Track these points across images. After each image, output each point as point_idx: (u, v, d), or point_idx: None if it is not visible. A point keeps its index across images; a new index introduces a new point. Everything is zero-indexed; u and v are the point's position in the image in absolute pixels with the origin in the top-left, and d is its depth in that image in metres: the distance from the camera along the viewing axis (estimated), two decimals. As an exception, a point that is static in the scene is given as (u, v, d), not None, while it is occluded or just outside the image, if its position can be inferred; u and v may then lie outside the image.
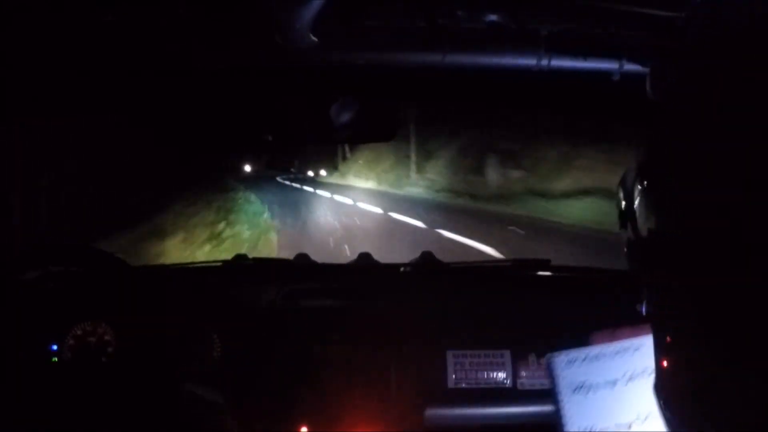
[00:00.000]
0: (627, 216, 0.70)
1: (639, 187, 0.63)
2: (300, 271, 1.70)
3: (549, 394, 1.33)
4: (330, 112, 1.20)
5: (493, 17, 0.90)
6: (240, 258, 1.77)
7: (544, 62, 0.93)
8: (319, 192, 25.88)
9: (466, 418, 1.35)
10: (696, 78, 0.52)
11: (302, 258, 1.77)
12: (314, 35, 0.89)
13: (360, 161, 31.78)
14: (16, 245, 1.38)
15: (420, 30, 0.93)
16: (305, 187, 29.76)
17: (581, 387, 0.93)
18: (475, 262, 1.75)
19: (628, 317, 1.41)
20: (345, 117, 1.24)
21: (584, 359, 0.95)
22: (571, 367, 0.94)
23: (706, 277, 0.51)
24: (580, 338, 1.39)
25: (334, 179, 35.72)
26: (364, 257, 1.76)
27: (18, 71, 0.89)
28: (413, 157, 22.81)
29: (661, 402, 0.64)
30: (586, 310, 1.46)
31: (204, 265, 1.79)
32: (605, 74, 0.94)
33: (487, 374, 1.35)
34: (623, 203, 0.72)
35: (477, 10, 0.90)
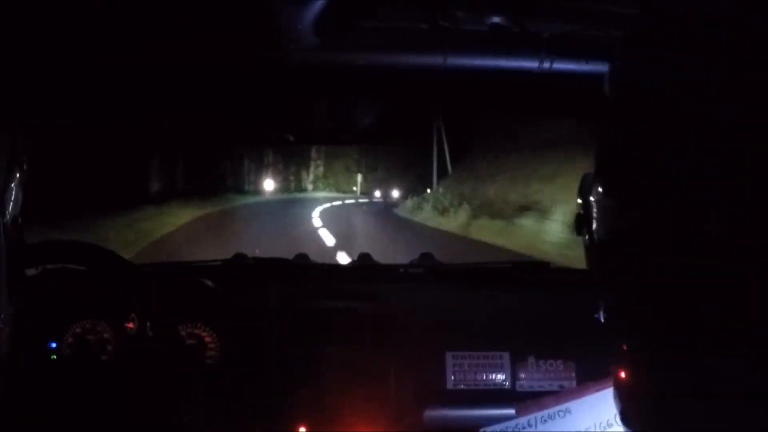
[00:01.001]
0: (585, 219, 0.70)
1: (597, 188, 0.62)
2: (299, 270, 1.70)
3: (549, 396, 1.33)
4: (330, 113, 1.20)
5: (495, 19, 0.90)
6: (239, 257, 1.77)
7: (546, 65, 0.93)
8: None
9: (464, 419, 1.35)
10: (652, 73, 0.52)
11: (302, 258, 1.77)
12: (316, 35, 0.89)
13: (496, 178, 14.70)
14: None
15: (421, 31, 0.93)
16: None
17: None
18: (474, 263, 1.76)
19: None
20: (345, 118, 1.24)
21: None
22: None
23: (665, 277, 0.51)
24: (578, 340, 1.39)
25: (448, 222, 14.82)
26: (364, 258, 1.76)
27: (18, 71, 0.89)
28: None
29: (620, 414, 0.63)
30: (585, 312, 1.46)
31: (204, 263, 1.79)
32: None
33: (486, 375, 1.35)
34: (582, 206, 0.72)
35: (479, 12, 0.90)
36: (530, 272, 1.67)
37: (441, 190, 19.23)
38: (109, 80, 0.96)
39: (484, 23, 0.91)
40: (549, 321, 1.43)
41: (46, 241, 1.38)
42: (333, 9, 0.83)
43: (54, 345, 1.33)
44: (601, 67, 0.93)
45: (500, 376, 1.35)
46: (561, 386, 1.35)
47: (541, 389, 1.34)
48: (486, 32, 0.91)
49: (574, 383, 1.35)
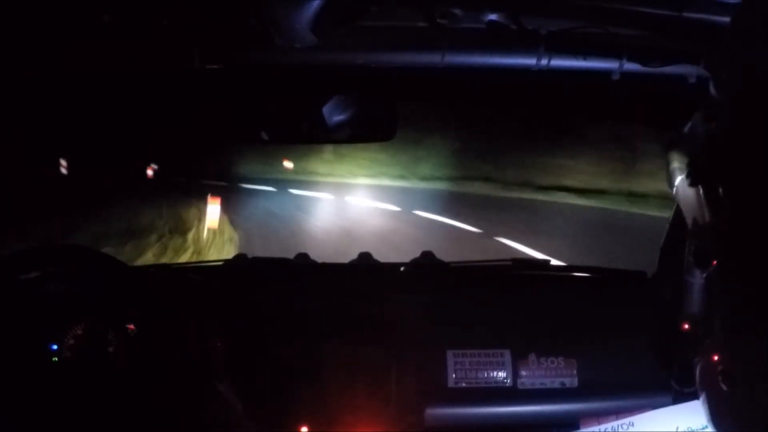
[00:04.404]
0: (684, 209, 0.70)
1: (697, 179, 0.62)
2: (300, 270, 1.70)
3: (548, 394, 1.33)
4: (329, 110, 1.19)
5: (492, 17, 0.90)
6: (240, 257, 1.77)
7: (544, 62, 0.93)
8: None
9: (466, 418, 1.35)
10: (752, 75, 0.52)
11: (302, 257, 1.76)
12: (314, 35, 0.88)
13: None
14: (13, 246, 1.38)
15: (419, 29, 0.93)
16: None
17: None
18: (475, 261, 1.75)
19: (626, 316, 1.41)
20: (343, 116, 1.23)
21: None
22: None
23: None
24: (578, 338, 1.39)
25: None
26: (364, 257, 1.76)
27: (16, 71, 0.88)
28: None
29: (705, 395, 0.64)
30: (585, 309, 1.47)
31: (204, 264, 1.79)
32: (605, 74, 0.94)
33: (487, 374, 1.35)
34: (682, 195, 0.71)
35: (477, 10, 0.90)
36: (530, 270, 1.67)
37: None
38: (105, 80, 0.96)
39: (481, 21, 0.91)
40: (549, 318, 1.43)
41: (46, 245, 1.38)
42: (330, 8, 0.83)
43: (55, 347, 1.33)
44: (598, 64, 0.93)
45: (501, 374, 1.35)
46: (562, 383, 1.35)
47: (543, 387, 1.34)
48: (484, 30, 0.91)
49: (575, 381, 1.35)
